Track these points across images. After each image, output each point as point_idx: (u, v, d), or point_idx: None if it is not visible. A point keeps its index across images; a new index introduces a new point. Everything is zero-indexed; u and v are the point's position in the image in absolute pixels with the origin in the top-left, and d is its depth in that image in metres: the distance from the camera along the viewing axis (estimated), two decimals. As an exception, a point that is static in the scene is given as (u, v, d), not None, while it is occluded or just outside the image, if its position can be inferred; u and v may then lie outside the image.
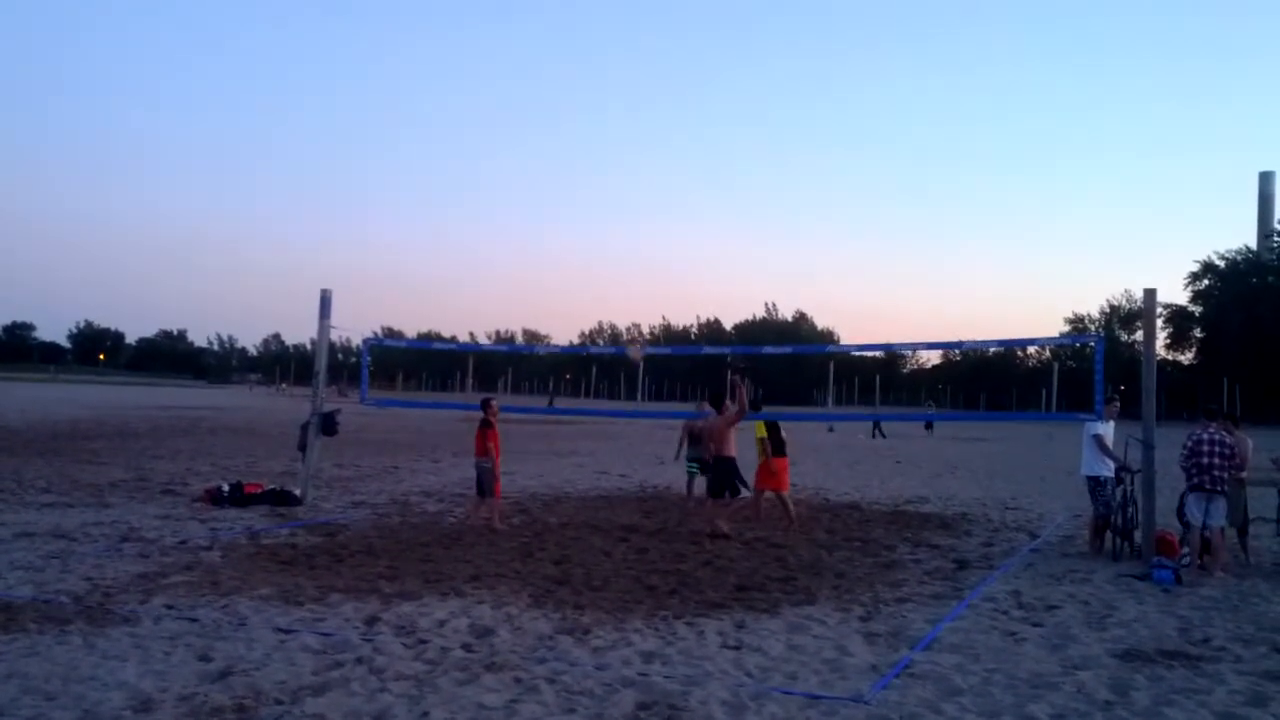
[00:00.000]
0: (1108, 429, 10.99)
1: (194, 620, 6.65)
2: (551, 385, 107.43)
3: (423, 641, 6.30)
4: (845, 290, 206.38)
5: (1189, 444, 10.02)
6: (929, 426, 46.08)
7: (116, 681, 5.29)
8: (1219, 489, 9.71)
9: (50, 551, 9.01)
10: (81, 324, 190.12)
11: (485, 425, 11.69)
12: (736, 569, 9.25)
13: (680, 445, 14.56)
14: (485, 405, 12.09)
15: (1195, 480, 9.86)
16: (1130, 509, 10.64)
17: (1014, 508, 15.38)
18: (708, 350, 34.79)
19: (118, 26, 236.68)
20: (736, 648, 6.41)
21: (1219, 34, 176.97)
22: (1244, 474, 10.48)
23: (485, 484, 11.52)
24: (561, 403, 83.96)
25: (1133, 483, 10.74)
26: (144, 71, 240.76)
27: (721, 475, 11.47)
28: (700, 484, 14.92)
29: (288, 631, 6.43)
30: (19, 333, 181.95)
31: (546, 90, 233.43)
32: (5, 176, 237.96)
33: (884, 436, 40.10)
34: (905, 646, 6.56)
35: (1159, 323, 44.61)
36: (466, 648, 6.19)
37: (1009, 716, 5.19)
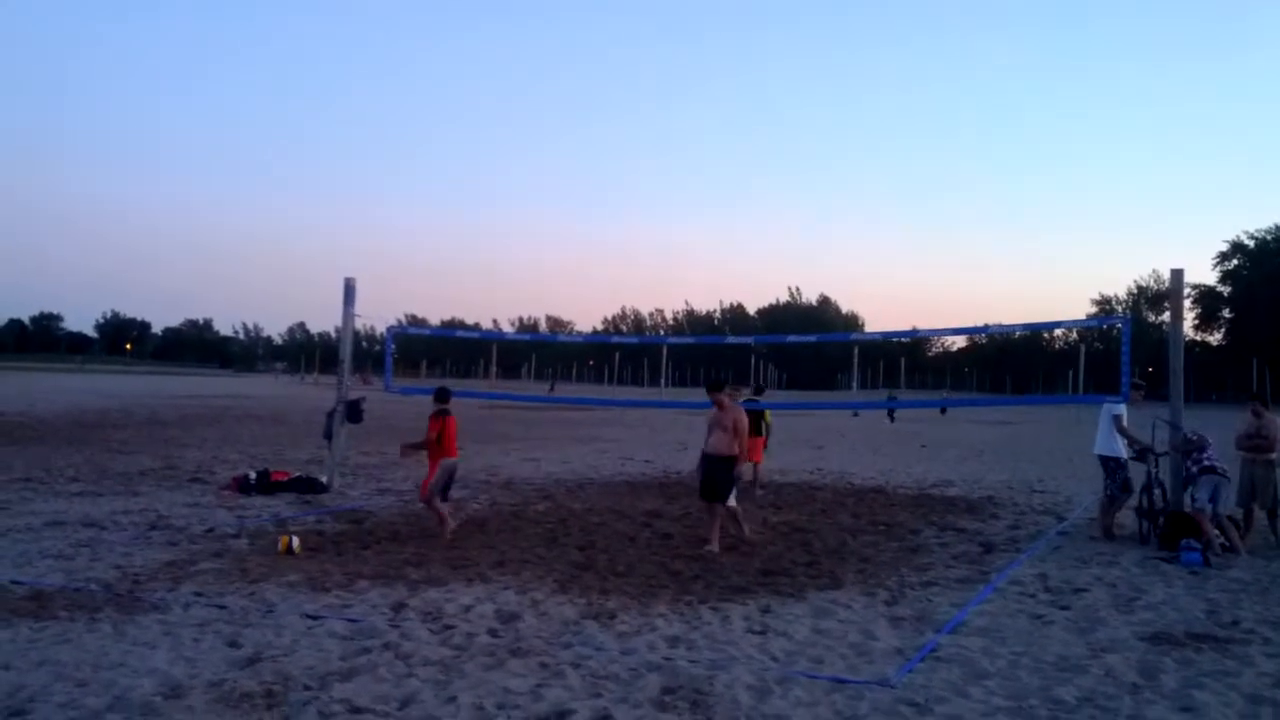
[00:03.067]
0: (1126, 412, 10.89)
1: (223, 607, 6.71)
2: (552, 372, 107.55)
3: (449, 627, 6.33)
4: (870, 273, 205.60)
5: (1196, 440, 10.57)
6: (943, 411, 48.42)
7: (147, 668, 5.35)
8: (1225, 473, 10.15)
9: (80, 540, 9.11)
10: (108, 314, 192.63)
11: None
12: (761, 554, 9.24)
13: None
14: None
15: (1206, 463, 10.20)
16: (1156, 490, 10.55)
17: (1041, 491, 15.30)
18: (732, 340, 34.80)
19: (142, 16, 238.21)
20: (761, 632, 6.42)
21: (1246, 10, 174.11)
22: (1275, 455, 10.38)
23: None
24: (582, 390, 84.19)
25: (1157, 465, 10.64)
26: (169, 61, 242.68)
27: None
28: None
29: (315, 618, 6.47)
30: (46, 323, 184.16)
31: (570, 79, 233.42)
32: (31, 169, 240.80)
33: (892, 421, 40.62)
34: (931, 630, 6.54)
35: (1187, 303, 44.02)
36: (492, 633, 6.22)
37: (1036, 700, 5.15)
